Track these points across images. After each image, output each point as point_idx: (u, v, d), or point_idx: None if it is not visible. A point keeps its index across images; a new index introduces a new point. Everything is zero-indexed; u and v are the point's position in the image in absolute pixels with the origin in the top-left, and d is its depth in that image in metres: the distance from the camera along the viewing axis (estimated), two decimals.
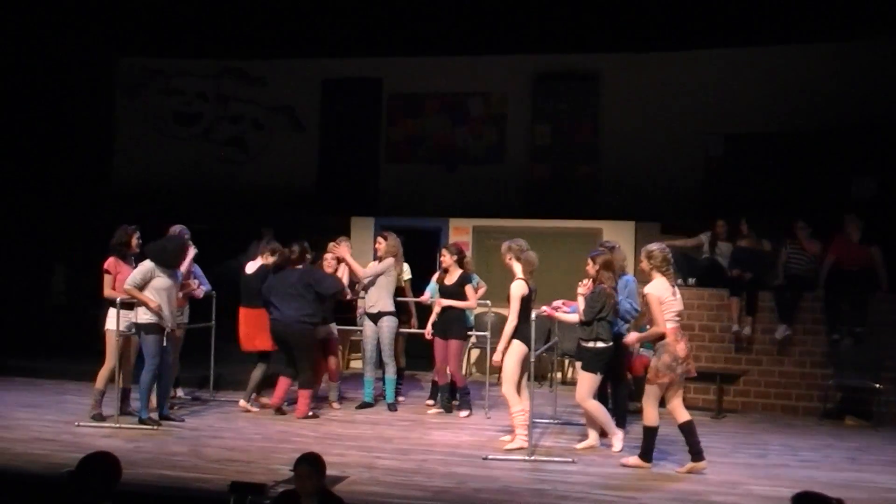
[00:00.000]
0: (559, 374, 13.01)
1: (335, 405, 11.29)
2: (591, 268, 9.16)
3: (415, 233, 13.03)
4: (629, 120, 15.93)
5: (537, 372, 9.14)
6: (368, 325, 11.27)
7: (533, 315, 8.92)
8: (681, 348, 8.47)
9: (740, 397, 12.04)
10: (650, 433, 8.65)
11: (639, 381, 11.17)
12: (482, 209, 15.51)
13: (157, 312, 9.66)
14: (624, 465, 8.67)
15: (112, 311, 9.88)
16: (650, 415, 8.60)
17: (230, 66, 17.91)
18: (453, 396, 11.20)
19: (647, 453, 8.68)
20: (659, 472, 8.52)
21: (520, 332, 9.17)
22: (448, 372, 10.98)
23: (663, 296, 8.50)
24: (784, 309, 11.93)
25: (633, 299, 9.92)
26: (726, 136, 15.52)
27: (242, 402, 10.98)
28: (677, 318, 8.58)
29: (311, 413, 10.64)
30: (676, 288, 8.73)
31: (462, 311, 10.94)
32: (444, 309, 10.87)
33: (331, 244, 11.45)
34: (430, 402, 11.61)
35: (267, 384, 11.19)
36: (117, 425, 9.78)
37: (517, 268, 9.37)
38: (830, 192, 14.07)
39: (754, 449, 9.67)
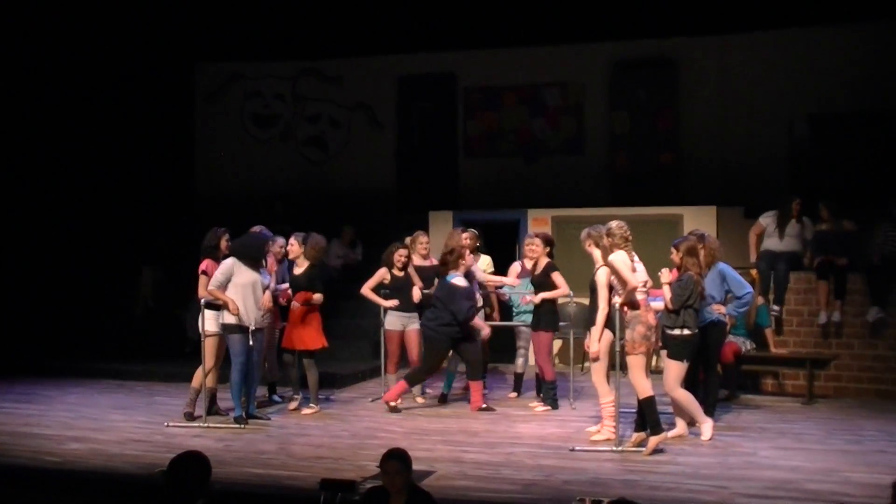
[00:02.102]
0: None
1: (419, 399, 11.29)
2: (676, 256, 9.04)
3: (494, 226, 12.98)
4: (709, 104, 15.78)
5: (621, 361, 9.01)
6: None
7: (616, 303, 8.82)
8: (651, 318, 8.72)
9: (832, 382, 11.74)
10: (650, 404, 8.64)
11: (728, 369, 11.07)
12: (562, 200, 15.43)
13: (236, 314, 9.76)
14: (649, 455, 8.55)
15: (208, 313, 10.01)
16: (643, 386, 8.66)
17: (307, 67, 18.09)
18: (539, 389, 11.14)
19: (656, 425, 8.64)
20: (750, 461, 8.36)
21: (608, 320, 9.04)
22: (557, 363, 10.95)
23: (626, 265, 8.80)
24: (877, 290, 11.61)
25: (729, 285, 9.77)
26: (811, 117, 15.25)
27: (308, 410, 10.72)
28: (644, 290, 8.81)
29: (484, 405, 10.66)
30: (638, 262, 9.00)
31: (553, 301, 10.81)
32: (541, 301, 10.70)
33: (407, 239, 11.51)
34: (514, 394, 11.60)
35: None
36: (206, 425, 9.90)
37: (597, 254, 9.23)
38: None
39: (849, 435, 9.43)
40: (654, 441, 8.61)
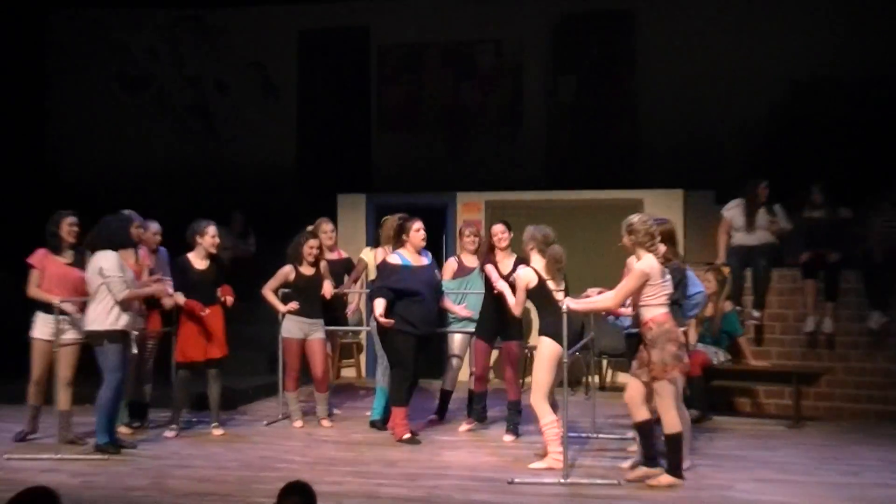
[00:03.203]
0: (596, 379, 12.82)
1: (325, 422, 11.19)
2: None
3: (416, 212, 12.86)
4: (674, 67, 15.90)
5: (570, 376, 8.93)
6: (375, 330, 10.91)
7: (564, 308, 8.73)
8: (681, 334, 8.64)
9: (823, 401, 11.90)
10: (674, 442, 8.52)
11: (696, 384, 11.01)
12: (497, 181, 15.56)
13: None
14: (653, 486, 8.49)
15: (39, 316, 9.96)
16: (671, 420, 8.47)
17: (185, 16, 17.92)
18: (470, 405, 11.05)
19: (676, 468, 8.55)
20: (724, 495, 8.33)
21: (551, 328, 9.06)
22: (492, 378, 10.95)
23: (655, 277, 8.44)
24: (877, 292, 11.72)
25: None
26: (792, 83, 15.36)
27: (218, 431, 10.83)
28: (666, 302, 8.58)
29: (406, 436, 10.32)
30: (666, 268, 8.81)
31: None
32: (502, 306, 10.21)
33: (309, 228, 11.43)
34: (434, 416, 11.46)
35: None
36: (58, 456, 9.66)
37: (537, 262, 9.34)
38: None
39: (844, 465, 9.47)
40: (667, 479, 8.49)
